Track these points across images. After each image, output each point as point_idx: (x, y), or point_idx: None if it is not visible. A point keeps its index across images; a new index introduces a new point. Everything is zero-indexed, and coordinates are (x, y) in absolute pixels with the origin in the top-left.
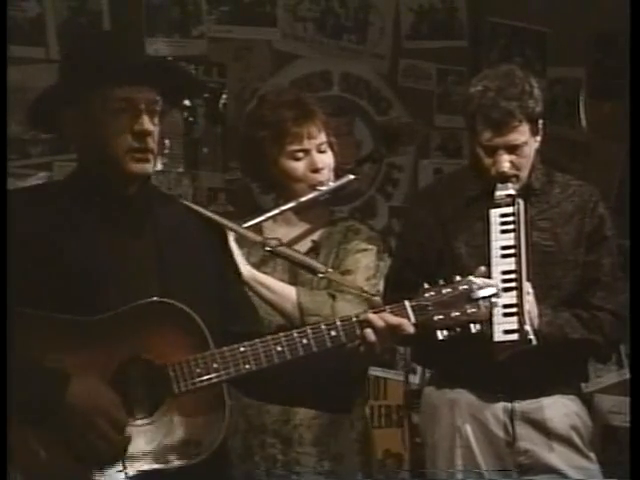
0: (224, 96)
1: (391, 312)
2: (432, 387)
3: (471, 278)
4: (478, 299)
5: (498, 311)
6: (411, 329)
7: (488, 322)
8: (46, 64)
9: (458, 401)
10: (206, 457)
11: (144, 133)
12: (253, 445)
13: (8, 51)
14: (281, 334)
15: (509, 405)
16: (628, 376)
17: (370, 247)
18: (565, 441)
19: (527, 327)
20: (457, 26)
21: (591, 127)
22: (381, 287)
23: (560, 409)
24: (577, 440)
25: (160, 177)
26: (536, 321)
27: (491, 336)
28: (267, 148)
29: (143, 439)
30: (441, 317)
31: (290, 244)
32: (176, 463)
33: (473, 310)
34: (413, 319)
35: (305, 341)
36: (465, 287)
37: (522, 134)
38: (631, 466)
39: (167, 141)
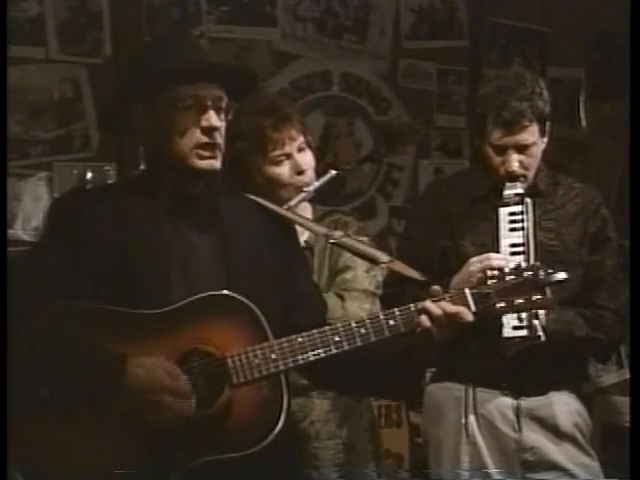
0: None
1: (451, 300)
2: (435, 385)
3: (537, 264)
4: (545, 286)
5: None
6: (470, 317)
7: (554, 308)
8: (46, 64)
9: (464, 398)
10: (265, 446)
11: (212, 128)
12: None
13: (8, 51)
14: (339, 324)
15: (515, 402)
16: (628, 376)
17: (362, 238)
18: (569, 438)
19: (536, 323)
20: (457, 26)
21: (591, 127)
22: (380, 278)
23: (564, 406)
24: (580, 437)
25: None
26: (544, 318)
27: (500, 332)
28: (249, 158)
29: (204, 429)
30: (503, 305)
31: None
32: (236, 452)
33: (538, 297)
34: (473, 307)
35: (363, 331)
36: (530, 273)
37: (532, 134)
38: (631, 466)
39: None
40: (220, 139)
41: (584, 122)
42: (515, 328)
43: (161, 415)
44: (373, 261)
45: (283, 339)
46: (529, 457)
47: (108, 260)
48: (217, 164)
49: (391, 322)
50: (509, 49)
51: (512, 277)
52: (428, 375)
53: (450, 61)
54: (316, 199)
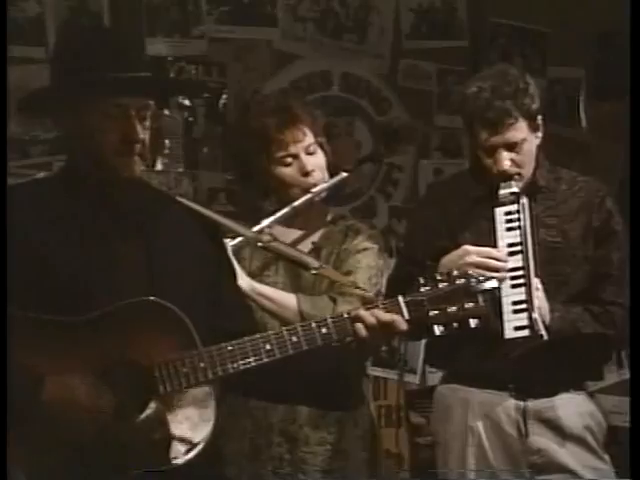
0: (224, 96)
1: (384, 308)
2: (444, 386)
3: (469, 272)
4: (477, 293)
5: (508, 308)
6: (404, 326)
7: (488, 316)
8: (46, 64)
9: (470, 400)
10: (194, 458)
11: (132, 140)
12: (260, 445)
13: (8, 51)
14: (270, 332)
15: (522, 404)
16: (628, 376)
17: (371, 246)
18: (579, 441)
19: (538, 322)
20: (457, 26)
21: (591, 127)
22: (383, 286)
23: (574, 408)
24: (591, 440)
25: (160, 177)
26: (547, 317)
27: (502, 333)
28: (256, 157)
29: (131, 441)
30: (437, 312)
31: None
32: (165, 465)
33: (470, 305)
34: (407, 315)
35: (295, 339)
36: (463, 281)
37: (520, 131)
38: (631, 466)
39: (167, 141)
40: (141, 148)
41: (584, 122)
42: (517, 329)
43: (80, 431)
44: (303, 266)
45: (212, 347)
46: (537, 460)
47: (28, 262)
48: (137, 171)
49: (324, 330)
50: (509, 49)
51: (445, 284)
52: (430, 378)
53: (450, 61)
54: (330, 200)
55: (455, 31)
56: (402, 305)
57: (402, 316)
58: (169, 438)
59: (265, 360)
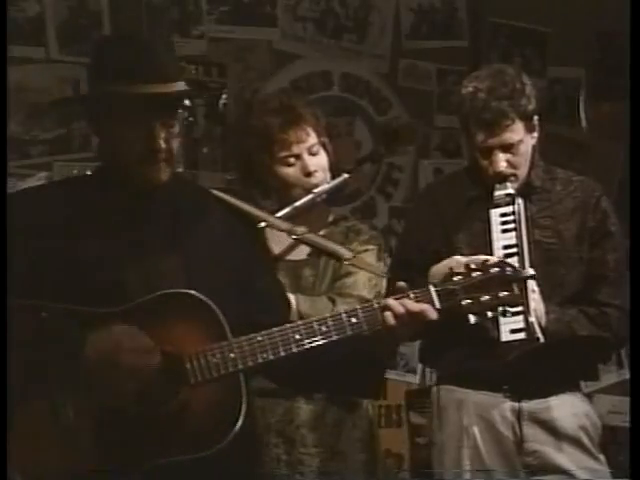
0: (224, 96)
1: (415, 297)
2: (440, 387)
3: (504, 260)
4: (512, 282)
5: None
6: (434, 315)
7: (524, 304)
8: (46, 64)
9: (466, 401)
10: (222, 448)
11: (156, 150)
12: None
13: (8, 51)
14: (299, 322)
15: (517, 405)
16: (628, 376)
17: (371, 247)
18: (574, 442)
19: (534, 325)
20: (457, 26)
21: (591, 127)
22: (383, 287)
23: (568, 409)
24: (586, 441)
25: None
26: (543, 319)
27: (498, 336)
28: (259, 156)
29: (160, 429)
30: (470, 302)
31: (293, 247)
32: (192, 454)
33: (505, 294)
34: (438, 304)
35: (325, 328)
36: (497, 270)
37: (516, 133)
38: (631, 466)
39: None
40: (167, 154)
41: (584, 122)
42: (513, 331)
43: (123, 375)
44: (336, 257)
45: (242, 338)
46: (532, 461)
47: (63, 257)
48: (161, 180)
49: (353, 320)
50: (509, 49)
51: (478, 273)
52: (431, 377)
53: (450, 61)
54: (331, 201)
55: (455, 31)
56: (433, 294)
57: (433, 305)
58: (198, 427)
59: (295, 350)
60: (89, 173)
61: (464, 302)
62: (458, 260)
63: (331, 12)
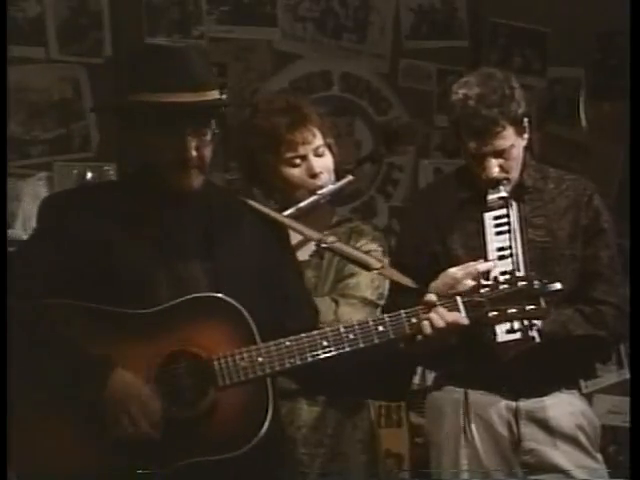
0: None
1: (444, 307)
2: (437, 388)
3: (531, 274)
4: (539, 296)
5: None
6: (465, 321)
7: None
8: (46, 64)
9: (463, 401)
10: (249, 449)
11: (186, 159)
12: None
13: (8, 51)
14: (327, 329)
15: (514, 404)
16: (628, 376)
17: (374, 248)
18: (571, 440)
19: (529, 325)
20: (457, 26)
21: (591, 127)
22: (385, 289)
23: (566, 408)
24: (583, 439)
25: None
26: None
27: (494, 337)
28: (264, 156)
29: (188, 430)
30: (496, 314)
31: (295, 248)
32: (219, 455)
33: (532, 307)
34: (464, 314)
35: (352, 336)
36: (525, 284)
37: (507, 138)
38: (631, 466)
39: None
40: (199, 161)
41: (584, 122)
42: (508, 332)
43: (122, 427)
44: (365, 267)
45: (271, 342)
46: (529, 460)
47: (95, 259)
48: (192, 187)
49: (380, 328)
50: (509, 49)
51: (506, 286)
52: (430, 378)
53: (450, 61)
54: (331, 201)
55: (455, 31)
56: (460, 305)
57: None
58: (225, 428)
59: (322, 356)
60: (121, 179)
61: (491, 314)
62: (454, 277)
63: (331, 12)
